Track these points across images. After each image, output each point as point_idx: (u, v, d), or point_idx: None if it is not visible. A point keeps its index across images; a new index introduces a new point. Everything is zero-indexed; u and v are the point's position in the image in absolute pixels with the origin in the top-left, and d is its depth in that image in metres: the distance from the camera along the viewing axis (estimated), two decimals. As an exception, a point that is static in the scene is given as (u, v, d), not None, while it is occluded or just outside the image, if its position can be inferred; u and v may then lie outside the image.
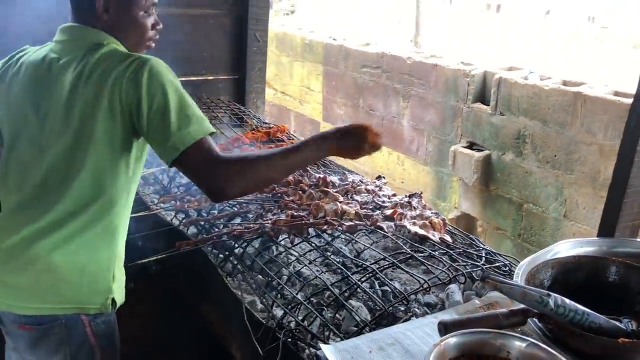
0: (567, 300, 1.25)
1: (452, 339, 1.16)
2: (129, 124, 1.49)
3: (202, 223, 2.24)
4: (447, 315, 1.39)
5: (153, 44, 1.71)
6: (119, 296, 1.65)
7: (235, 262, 2.06)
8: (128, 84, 1.44)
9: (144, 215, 2.38)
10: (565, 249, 1.63)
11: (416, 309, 1.83)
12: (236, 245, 2.10)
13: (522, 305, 1.29)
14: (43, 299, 1.55)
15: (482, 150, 4.17)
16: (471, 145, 4.28)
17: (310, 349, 1.60)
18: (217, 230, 2.17)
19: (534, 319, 1.30)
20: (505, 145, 4.01)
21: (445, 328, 1.22)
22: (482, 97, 4.22)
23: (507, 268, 1.85)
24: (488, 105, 4.12)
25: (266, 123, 3.44)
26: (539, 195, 3.85)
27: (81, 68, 1.50)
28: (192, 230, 2.28)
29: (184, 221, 2.28)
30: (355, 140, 1.68)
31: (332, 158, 3.72)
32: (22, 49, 1.67)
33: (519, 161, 3.93)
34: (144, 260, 2.10)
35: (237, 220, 2.23)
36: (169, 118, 1.42)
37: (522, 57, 4.41)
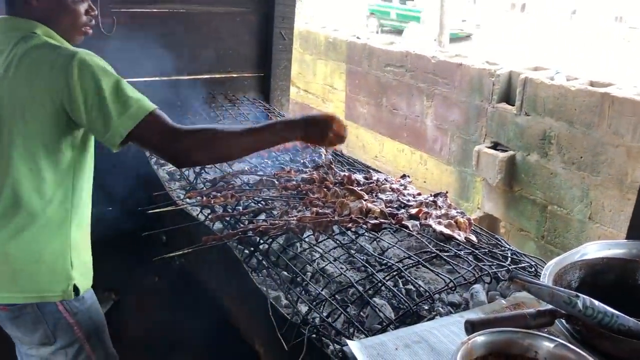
0: (596, 302, 1.24)
1: (479, 338, 1.16)
2: (62, 118, 1.51)
3: (228, 219, 2.26)
4: (473, 315, 1.39)
5: (90, 30, 1.70)
6: (83, 282, 1.71)
7: (261, 258, 2.08)
8: (58, 78, 1.46)
9: (171, 210, 2.41)
10: (593, 250, 1.62)
11: (440, 308, 1.83)
12: (261, 241, 2.11)
13: (549, 306, 1.29)
14: (5, 289, 1.62)
15: (506, 151, 4.14)
16: (495, 146, 4.25)
17: (335, 345, 1.61)
18: (242, 226, 2.19)
19: (562, 320, 1.29)
20: (530, 146, 3.97)
21: (472, 327, 1.22)
22: (507, 97, 4.19)
23: (533, 269, 1.84)
24: (513, 105, 4.08)
25: (291, 120, 3.45)
26: (564, 197, 3.81)
27: (9, 60, 1.52)
28: (217, 225, 2.30)
29: (210, 217, 2.30)
30: (321, 129, 1.74)
31: (356, 156, 3.73)
32: None
33: (544, 162, 3.89)
34: (170, 255, 2.12)
35: (262, 216, 2.25)
36: (107, 107, 1.46)
37: (548, 57, 4.36)
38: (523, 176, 4.05)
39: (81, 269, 1.71)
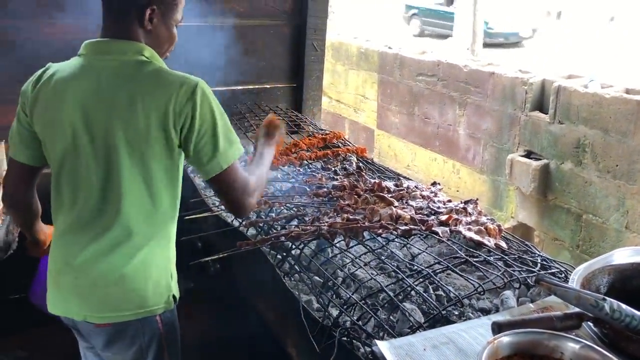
0: (624, 305, 1.25)
1: (505, 338, 1.18)
2: (177, 141, 1.57)
3: (261, 224, 2.32)
4: (500, 317, 1.41)
5: (168, 55, 1.79)
6: (176, 291, 1.78)
7: (293, 263, 2.14)
8: (183, 104, 1.53)
9: (207, 216, 2.49)
10: (623, 256, 1.62)
11: (470, 314, 1.85)
12: (293, 246, 2.17)
13: (577, 309, 1.30)
14: (115, 308, 1.66)
15: (540, 159, 4.11)
16: (529, 154, 4.22)
17: (366, 347, 1.64)
18: (275, 231, 2.24)
19: (589, 323, 1.30)
20: (564, 155, 3.93)
21: (499, 328, 1.25)
22: (540, 105, 4.17)
23: (563, 275, 1.84)
24: (546, 113, 4.05)
25: (322, 130, 3.51)
26: (599, 206, 3.75)
27: (132, 87, 1.56)
28: (251, 231, 2.37)
29: (244, 222, 2.37)
30: (275, 131, 2.05)
31: (388, 165, 3.76)
32: (45, 67, 1.68)
33: (579, 171, 3.85)
34: (206, 259, 2.20)
35: (295, 222, 2.30)
36: (218, 139, 1.57)
37: (583, 65, 4.32)
38: (557, 185, 4.01)
39: (175, 279, 1.77)
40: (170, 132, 1.55)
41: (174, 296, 1.75)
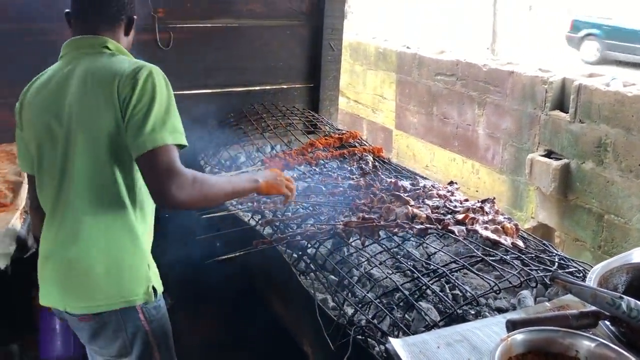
0: (641, 304, 1.23)
1: (519, 336, 1.17)
2: (123, 115, 1.59)
3: (277, 223, 2.33)
4: (515, 315, 1.40)
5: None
6: (158, 284, 1.80)
7: (308, 261, 2.14)
8: (127, 82, 1.58)
9: (224, 215, 2.51)
10: (642, 255, 1.59)
11: (487, 314, 1.83)
12: (309, 245, 2.17)
13: (593, 308, 1.28)
14: (91, 298, 1.69)
15: (560, 159, 4.06)
16: (549, 154, 4.17)
17: (381, 346, 1.64)
18: (291, 230, 2.25)
19: (606, 321, 1.28)
20: (585, 154, 3.88)
21: (513, 326, 1.23)
22: (560, 104, 4.11)
23: (582, 274, 1.82)
24: (567, 112, 4.00)
25: (339, 129, 3.51)
26: (622, 206, 3.69)
27: (92, 73, 1.64)
28: (267, 230, 2.38)
29: (260, 221, 2.38)
30: (276, 177, 1.95)
31: (407, 165, 3.74)
32: (36, 77, 1.80)
33: (600, 170, 3.79)
34: (222, 257, 2.21)
35: (310, 221, 2.31)
36: (148, 118, 1.54)
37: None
38: (578, 184, 3.96)
39: (154, 271, 1.79)
40: (117, 112, 1.58)
41: (154, 288, 1.76)
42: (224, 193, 1.73)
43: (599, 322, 1.28)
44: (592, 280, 1.42)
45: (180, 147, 1.60)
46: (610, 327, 1.29)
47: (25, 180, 2.48)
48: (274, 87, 3.77)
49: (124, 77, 1.59)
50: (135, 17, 1.81)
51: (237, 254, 2.20)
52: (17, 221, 2.12)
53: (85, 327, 1.77)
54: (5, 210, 2.21)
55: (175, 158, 1.55)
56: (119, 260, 1.69)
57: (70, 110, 1.65)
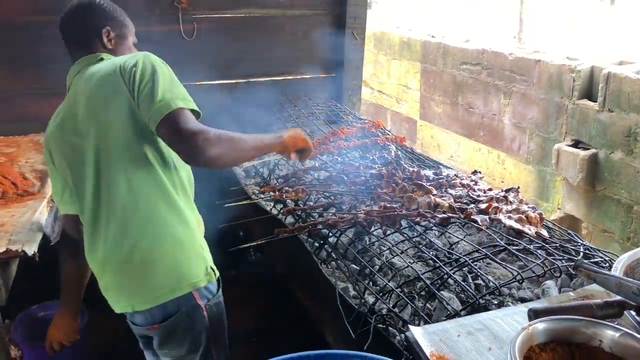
0: (669, 294, 1.20)
1: (540, 324, 1.15)
2: (133, 95, 1.62)
3: (299, 212, 2.33)
4: (538, 304, 1.38)
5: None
6: (213, 264, 1.80)
7: (330, 250, 2.14)
8: (126, 66, 1.64)
9: (246, 204, 2.52)
10: (671, 245, 1.55)
11: (510, 303, 1.82)
12: (330, 234, 2.17)
13: (618, 297, 1.26)
14: (154, 287, 1.70)
15: (588, 149, 3.97)
16: (576, 144, 4.08)
17: (401, 335, 1.63)
18: (312, 219, 2.25)
19: (631, 311, 1.25)
20: (614, 144, 3.79)
21: (535, 315, 1.22)
22: (588, 93, 4.02)
23: (607, 264, 1.78)
24: (595, 101, 3.91)
25: (361, 119, 3.50)
26: (652, 197, 3.60)
27: (96, 80, 1.69)
28: (289, 219, 2.38)
29: (282, 210, 2.39)
30: (299, 135, 1.99)
31: (431, 152, 3.71)
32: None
33: (629, 160, 3.70)
34: (245, 245, 2.22)
35: (332, 210, 2.30)
36: (157, 89, 1.57)
37: (638, 51, 4.14)
38: (606, 175, 3.87)
39: (207, 251, 1.80)
40: (128, 96, 1.62)
41: (212, 269, 1.77)
42: (251, 146, 1.73)
43: (624, 312, 1.25)
44: (617, 269, 1.39)
45: (195, 114, 1.62)
46: (636, 317, 1.26)
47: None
48: (297, 77, 3.76)
49: (124, 64, 1.65)
50: (107, 28, 1.83)
51: (259, 242, 2.21)
52: (44, 209, 2.16)
53: (154, 334, 1.79)
54: (33, 199, 2.25)
55: (193, 118, 1.58)
56: (173, 244, 1.70)
57: (84, 118, 1.69)
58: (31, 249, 1.88)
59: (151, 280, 1.69)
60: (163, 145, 1.69)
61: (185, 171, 1.81)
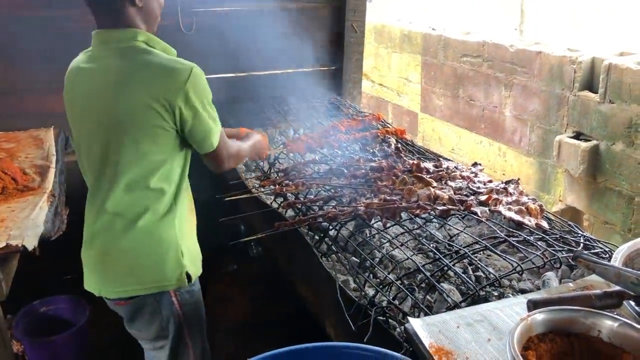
0: (668, 284, 1.20)
1: (539, 315, 1.15)
2: (169, 121, 1.67)
3: (299, 206, 2.33)
4: (537, 295, 1.37)
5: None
6: (193, 269, 1.86)
7: (330, 243, 2.14)
8: (173, 93, 1.64)
9: (246, 198, 2.52)
10: (671, 235, 1.55)
11: (510, 295, 1.81)
12: (331, 227, 2.17)
13: (617, 287, 1.26)
14: (124, 283, 1.78)
15: (589, 140, 3.96)
16: (578, 135, 4.06)
17: (402, 327, 1.63)
18: (313, 212, 2.25)
19: (630, 301, 1.25)
20: (615, 135, 3.77)
21: (534, 305, 1.22)
22: (589, 84, 4.00)
23: (608, 255, 1.78)
24: (596, 93, 3.89)
25: (362, 112, 3.49)
26: (653, 188, 3.59)
27: (122, 73, 1.67)
28: (289, 213, 2.38)
29: (282, 204, 2.39)
30: (264, 148, 2.35)
31: (432, 145, 3.70)
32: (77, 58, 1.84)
33: (630, 152, 3.69)
34: (245, 239, 2.23)
35: (332, 203, 2.30)
36: (209, 128, 1.76)
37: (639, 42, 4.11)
38: (607, 166, 3.86)
39: (190, 257, 1.85)
40: (160, 113, 1.65)
41: (188, 274, 1.81)
42: (245, 156, 2.15)
43: (623, 302, 1.25)
44: (617, 260, 1.39)
45: None
46: (635, 307, 1.26)
47: (53, 165, 2.53)
48: (297, 70, 3.75)
49: (173, 85, 1.64)
50: None
51: (260, 235, 2.21)
52: (44, 204, 2.16)
53: (122, 311, 1.86)
54: (33, 194, 2.25)
55: (226, 143, 1.88)
56: (151, 250, 1.76)
57: (107, 107, 1.68)
58: (31, 244, 1.88)
59: (122, 277, 1.78)
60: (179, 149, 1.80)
61: (186, 163, 1.87)
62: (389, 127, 3.10)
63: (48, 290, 2.92)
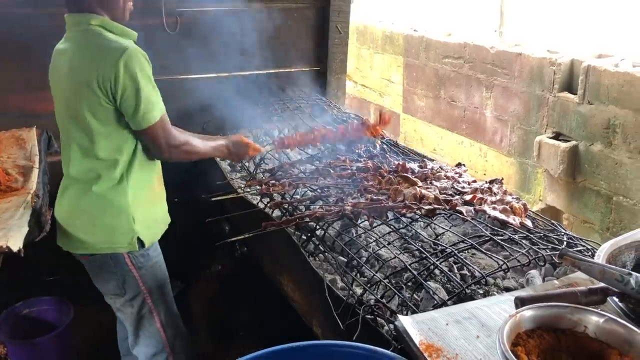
0: (650, 280, 1.23)
1: (528, 312, 1.18)
2: (106, 99, 1.86)
3: (286, 206, 2.34)
4: (524, 293, 1.40)
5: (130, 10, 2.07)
6: (147, 235, 2.03)
7: (317, 243, 2.15)
8: (106, 70, 1.81)
9: (232, 199, 2.52)
10: (651, 233, 1.59)
11: (495, 293, 1.84)
12: (318, 226, 2.18)
13: (602, 284, 1.29)
14: (82, 241, 1.99)
15: (568, 141, 4.02)
16: (557, 136, 4.13)
17: (390, 325, 1.65)
18: (299, 212, 2.26)
19: (614, 298, 1.29)
20: (594, 136, 3.85)
21: (521, 302, 1.24)
22: (569, 86, 4.07)
23: (590, 253, 1.82)
24: (575, 94, 3.96)
25: (346, 113, 3.51)
26: (630, 188, 3.67)
27: (71, 54, 1.89)
28: (276, 213, 2.39)
29: (269, 204, 2.39)
30: (243, 149, 2.31)
31: (414, 146, 3.73)
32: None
33: (608, 152, 3.76)
34: (232, 239, 2.23)
35: (319, 203, 2.31)
36: (138, 104, 1.85)
37: (620, 43, 4.19)
38: (586, 167, 3.93)
39: (145, 223, 2.02)
40: (95, 91, 1.84)
41: (139, 239, 1.99)
42: (203, 153, 2.15)
43: (607, 298, 1.29)
44: (600, 257, 1.43)
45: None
46: (619, 303, 1.29)
47: (36, 165, 2.50)
48: (281, 70, 3.76)
49: (103, 76, 1.82)
50: None
51: (247, 235, 2.21)
52: (28, 204, 2.14)
53: (86, 265, 2.06)
54: (16, 194, 2.22)
55: (166, 125, 1.94)
56: (104, 213, 1.96)
57: (67, 85, 1.92)
58: (16, 245, 1.85)
59: (78, 238, 1.99)
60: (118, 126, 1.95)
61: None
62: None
63: (31, 291, 2.88)
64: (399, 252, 2.08)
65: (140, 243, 2.02)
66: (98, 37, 1.88)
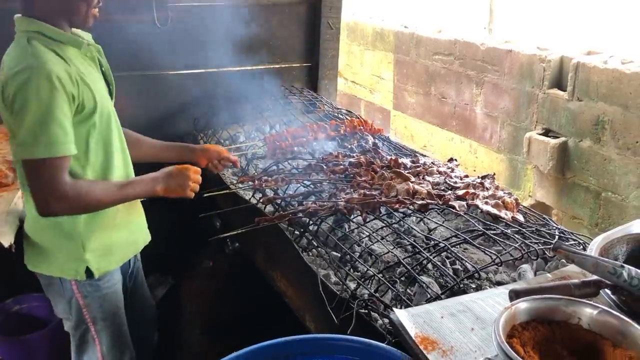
0: (642, 272, 1.25)
1: (522, 304, 1.19)
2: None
3: (279, 201, 2.34)
4: (518, 286, 1.41)
5: (97, 14, 1.81)
6: (100, 265, 1.91)
7: (310, 238, 2.15)
8: (8, 86, 1.61)
9: (224, 194, 2.51)
10: (642, 227, 1.61)
11: (487, 287, 1.86)
12: (310, 222, 2.18)
13: (594, 277, 1.30)
14: (33, 260, 1.92)
15: (558, 137, 4.06)
16: (547, 132, 4.16)
17: (384, 319, 1.66)
18: (292, 208, 2.26)
19: (607, 290, 1.30)
20: (583, 132, 3.88)
21: (516, 295, 1.25)
22: (558, 82, 4.10)
23: (581, 247, 1.84)
24: (565, 90, 3.99)
25: (338, 109, 3.51)
26: (619, 183, 3.70)
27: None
28: (269, 208, 2.39)
29: (261, 200, 2.39)
30: (180, 179, 1.93)
31: (405, 142, 3.75)
32: None
33: (597, 148, 3.80)
34: (224, 235, 2.22)
35: (312, 198, 2.31)
36: (22, 130, 1.60)
37: (609, 40, 4.22)
38: (576, 163, 3.96)
39: (100, 251, 1.90)
40: (3, 104, 1.67)
41: (89, 269, 1.87)
42: (111, 201, 1.81)
43: (600, 290, 1.30)
44: (592, 251, 1.44)
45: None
46: (611, 295, 1.31)
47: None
48: (273, 66, 3.75)
49: (7, 77, 1.63)
50: None
51: (240, 231, 2.21)
52: (19, 200, 2.12)
53: (40, 281, 1.98)
54: (7, 190, 2.21)
55: (52, 174, 1.62)
56: (51, 239, 1.86)
57: None
58: (7, 241, 1.85)
59: (31, 255, 1.92)
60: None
61: (99, 157, 1.86)
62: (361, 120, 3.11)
63: (22, 288, 2.86)
64: (392, 247, 2.09)
65: (89, 273, 1.88)
66: (19, 46, 1.70)
